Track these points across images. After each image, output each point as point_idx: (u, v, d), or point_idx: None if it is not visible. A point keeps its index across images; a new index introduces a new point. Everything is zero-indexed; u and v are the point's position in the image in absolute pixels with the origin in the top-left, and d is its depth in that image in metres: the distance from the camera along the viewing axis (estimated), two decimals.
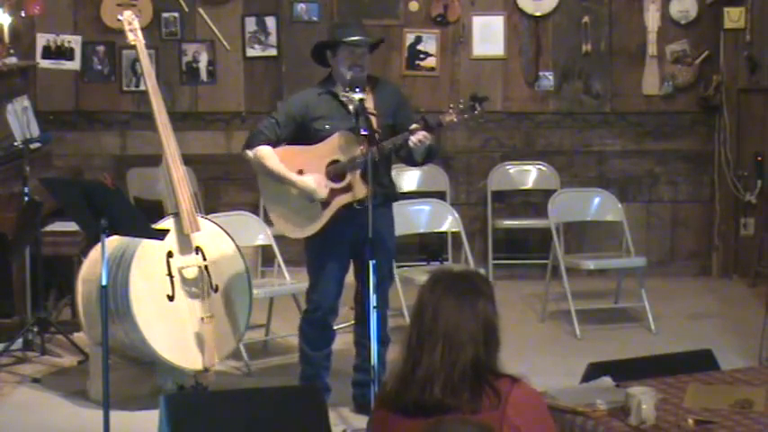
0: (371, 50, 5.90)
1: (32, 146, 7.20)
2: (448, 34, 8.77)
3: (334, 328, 6.16)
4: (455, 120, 5.73)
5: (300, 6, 8.71)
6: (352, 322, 6.23)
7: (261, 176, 5.95)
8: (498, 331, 3.25)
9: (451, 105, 5.81)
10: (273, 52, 8.74)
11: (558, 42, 8.80)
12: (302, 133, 5.84)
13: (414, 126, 5.70)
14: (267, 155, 5.81)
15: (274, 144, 5.83)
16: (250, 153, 5.85)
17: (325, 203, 5.79)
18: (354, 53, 5.76)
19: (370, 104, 5.73)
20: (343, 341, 6.48)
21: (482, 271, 7.46)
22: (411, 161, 5.87)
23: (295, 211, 5.85)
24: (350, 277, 6.04)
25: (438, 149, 5.91)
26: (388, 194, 5.93)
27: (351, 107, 5.67)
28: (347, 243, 5.85)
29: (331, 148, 5.79)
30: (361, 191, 5.76)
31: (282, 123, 5.83)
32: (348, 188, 5.79)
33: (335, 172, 5.79)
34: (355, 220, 5.77)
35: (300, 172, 5.80)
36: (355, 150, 5.73)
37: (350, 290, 6.12)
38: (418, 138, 5.66)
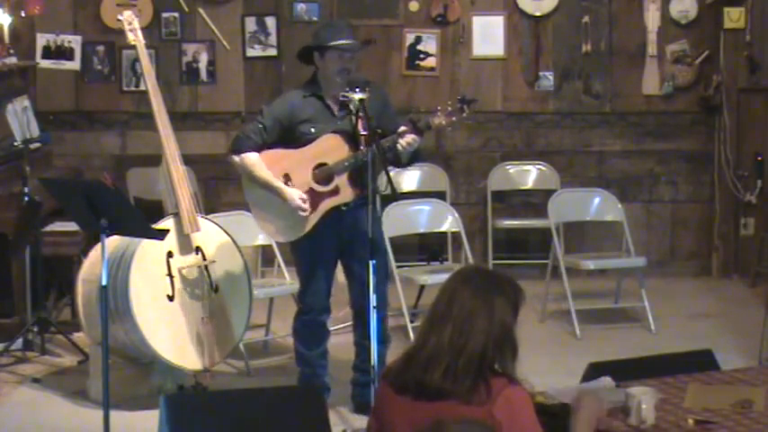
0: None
1: (32, 146, 7.19)
2: (448, 34, 8.76)
3: (334, 328, 6.15)
4: (443, 122, 5.72)
5: (300, 6, 8.70)
6: (352, 322, 6.23)
7: (246, 181, 5.92)
8: (513, 335, 3.38)
9: (439, 107, 5.80)
10: (273, 52, 8.74)
11: (558, 42, 8.79)
12: (288, 136, 5.82)
13: (402, 129, 5.68)
14: (254, 162, 5.79)
15: (260, 148, 5.81)
16: (237, 159, 5.84)
17: (313, 206, 5.78)
18: (343, 57, 5.75)
19: None
20: (342, 341, 6.48)
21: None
22: (397, 163, 5.87)
23: (282, 215, 5.83)
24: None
25: (422, 152, 5.90)
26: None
27: (351, 106, 5.66)
28: (335, 245, 5.85)
29: (317, 151, 5.77)
30: (348, 194, 5.76)
31: (269, 128, 5.80)
32: (335, 191, 5.77)
33: (322, 175, 5.77)
34: (342, 222, 5.78)
35: (287, 176, 5.77)
36: (342, 153, 5.72)
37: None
38: (407, 141, 5.65)
